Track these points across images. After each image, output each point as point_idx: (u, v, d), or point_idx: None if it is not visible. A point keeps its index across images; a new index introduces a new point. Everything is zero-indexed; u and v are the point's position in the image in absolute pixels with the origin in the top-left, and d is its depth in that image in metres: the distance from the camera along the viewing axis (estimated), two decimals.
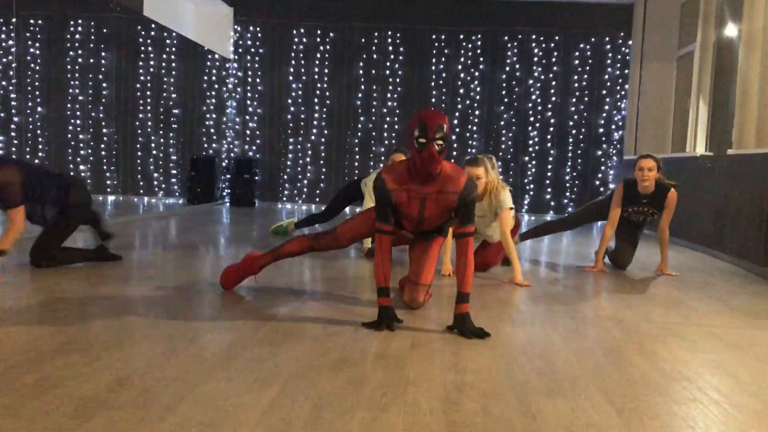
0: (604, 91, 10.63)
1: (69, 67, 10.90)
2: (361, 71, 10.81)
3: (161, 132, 10.98)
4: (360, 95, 10.84)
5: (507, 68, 10.69)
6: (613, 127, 10.65)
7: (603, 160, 10.68)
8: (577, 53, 10.61)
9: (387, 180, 3.25)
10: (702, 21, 7.75)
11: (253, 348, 2.72)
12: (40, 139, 10.95)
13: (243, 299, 3.71)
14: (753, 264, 5.62)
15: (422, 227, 3.46)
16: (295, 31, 10.81)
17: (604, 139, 10.69)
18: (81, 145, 10.98)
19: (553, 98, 10.68)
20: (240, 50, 10.86)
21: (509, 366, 2.63)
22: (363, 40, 10.78)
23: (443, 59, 10.75)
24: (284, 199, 11.03)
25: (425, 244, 3.65)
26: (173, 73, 10.92)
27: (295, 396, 2.18)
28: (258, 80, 10.92)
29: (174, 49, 10.88)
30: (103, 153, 10.97)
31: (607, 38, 10.56)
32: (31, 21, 10.84)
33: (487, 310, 3.67)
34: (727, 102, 6.88)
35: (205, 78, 10.96)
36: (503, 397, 2.26)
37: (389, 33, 10.77)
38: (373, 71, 10.80)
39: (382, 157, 10.84)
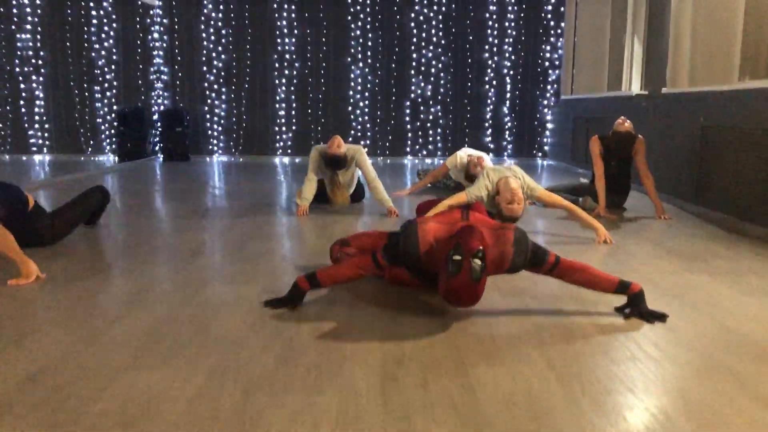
0: (541, 30, 10.53)
1: None
2: (292, 8, 10.39)
3: (86, 86, 10.40)
4: (293, 39, 10.45)
5: (443, 8, 10.45)
6: (548, 65, 10.60)
7: (540, 100, 10.66)
8: None
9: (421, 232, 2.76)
10: None
11: (180, 327, 2.57)
12: None
13: (174, 269, 3.53)
14: (687, 203, 5.71)
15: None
16: None
17: (541, 78, 10.64)
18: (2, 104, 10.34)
19: (490, 39, 10.52)
20: None
21: (449, 334, 2.56)
22: None
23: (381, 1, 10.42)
24: (219, 152, 10.68)
25: None
26: (94, 21, 10.28)
27: (223, 381, 2.06)
28: (184, 27, 10.39)
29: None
30: (24, 110, 10.35)
31: None
32: None
33: None
34: (661, 40, 6.87)
35: (130, 26, 10.36)
36: (443, 367, 2.19)
37: None
38: (306, 11, 10.40)
39: (320, 105, 10.56)
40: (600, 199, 5.53)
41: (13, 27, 10.19)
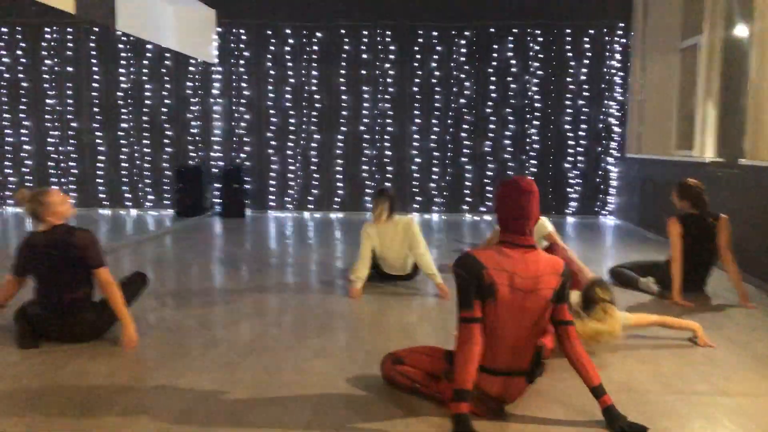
0: (604, 85, 10.19)
1: (46, 76, 10.45)
2: (350, 71, 10.36)
3: (146, 142, 10.55)
4: (349, 96, 10.40)
5: (500, 64, 10.24)
6: (614, 121, 10.23)
7: (604, 156, 10.28)
8: (574, 46, 10.15)
9: (480, 256, 2.84)
10: (708, 14, 7.30)
11: None
12: (22, 154, 10.55)
13: (229, 370, 3.34)
14: None
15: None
16: (280, 32, 10.34)
17: (604, 135, 10.27)
18: (61, 157, 10.57)
19: (552, 94, 10.24)
20: (224, 54, 10.40)
21: None
22: (350, 39, 10.32)
23: (435, 57, 10.29)
24: (274, 207, 10.64)
25: None
26: (154, 80, 10.47)
27: None
28: (243, 85, 10.48)
29: (153, 55, 10.41)
30: (86, 166, 10.56)
31: (605, 29, 10.09)
32: (4, 29, 10.38)
33: None
34: (737, 106, 6.47)
35: (189, 84, 10.50)
36: None
37: (378, 31, 10.30)
38: (363, 71, 10.35)
39: (377, 161, 10.43)
40: (674, 284, 5.13)
41: (79, 86, 10.46)
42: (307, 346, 3.90)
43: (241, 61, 10.43)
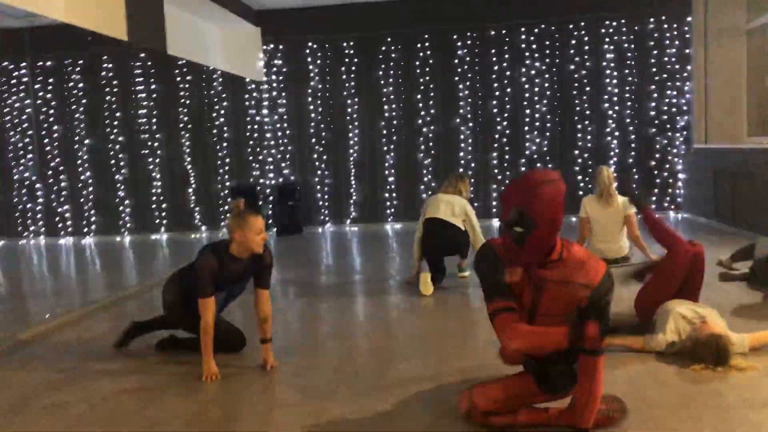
0: (665, 75, 9.76)
1: (105, 105, 10.53)
2: (395, 79, 10.17)
3: (200, 164, 10.54)
4: (396, 105, 10.21)
5: (555, 60, 9.91)
6: (675, 111, 9.80)
7: (669, 149, 9.85)
8: (632, 36, 9.76)
9: (498, 248, 2.65)
10: None
11: None
12: (82, 177, 10.64)
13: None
14: None
15: (536, 320, 2.63)
16: (324, 46, 10.22)
17: (668, 126, 9.84)
18: (121, 186, 10.62)
19: (608, 87, 9.87)
20: (270, 71, 10.33)
21: None
22: (393, 47, 10.13)
23: (486, 59, 10.02)
24: (329, 221, 10.50)
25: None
26: (206, 101, 10.45)
27: None
28: (293, 101, 10.39)
29: (204, 77, 10.40)
30: (144, 190, 10.59)
31: (663, 17, 9.68)
32: (47, 63, 10.51)
33: None
34: None
35: (238, 103, 10.46)
36: None
37: (419, 37, 10.08)
38: (408, 77, 10.15)
39: (429, 168, 10.22)
40: None
41: (131, 111, 10.51)
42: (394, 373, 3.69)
43: (287, 77, 10.34)
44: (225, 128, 10.48)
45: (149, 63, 10.40)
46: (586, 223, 6.12)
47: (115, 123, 10.56)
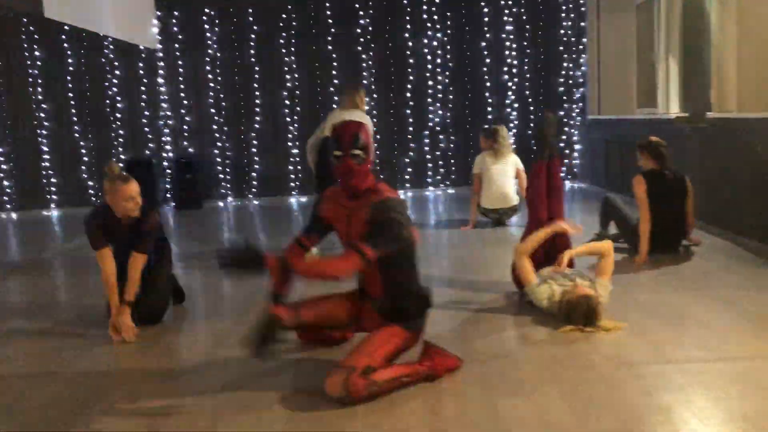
0: (561, 47, 10.01)
1: None
2: (292, 48, 9.96)
3: (91, 137, 10.03)
4: (299, 75, 10.02)
5: (456, 32, 9.96)
6: (571, 83, 10.07)
7: (567, 120, 10.12)
8: (527, 10, 9.92)
9: (326, 192, 3.11)
10: None
11: None
12: None
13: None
14: (752, 240, 5.14)
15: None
16: (223, 12, 9.88)
17: (565, 98, 10.11)
18: (2, 159, 9.98)
19: (507, 60, 10.02)
20: (166, 39, 9.90)
21: None
22: (295, 15, 9.90)
23: (378, 26, 9.94)
24: (232, 196, 10.25)
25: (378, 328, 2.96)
26: (95, 69, 9.92)
27: None
28: (190, 71, 10.01)
29: (88, 43, 9.84)
30: (33, 165, 9.98)
31: None
32: None
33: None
34: (700, 60, 6.33)
35: (132, 72, 9.99)
36: None
37: (321, 6, 9.89)
38: (313, 47, 9.97)
39: None
40: (642, 244, 5.00)
41: (16, 80, 9.86)
42: None
43: (183, 45, 9.95)
44: (118, 98, 10.00)
45: (32, 29, 9.75)
46: (479, 179, 6.71)
47: None
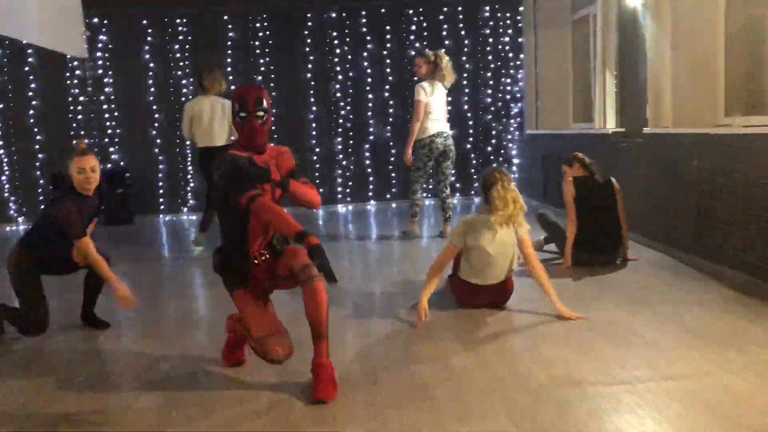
0: (499, 63, 10.09)
1: None
2: (229, 59, 9.71)
3: (13, 149, 9.50)
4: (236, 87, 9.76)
5: (389, 44, 9.91)
6: (509, 98, 10.16)
7: (504, 135, 10.19)
8: (465, 23, 9.96)
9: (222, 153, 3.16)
10: None
11: None
12: None
13: None
14: (689, 255, 5.22)
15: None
16: (153, 21, 9.56)
17: (503, 113, 10.18)
18: None
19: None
20: (95, 47, 9.49)
21: None
22: (229, 26, 9.67)
23: (317, 39, 9.81)
24: (164, 210, 9.88)
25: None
26: (20, 78, 9.42)
27: None
28: (120, 81, 9.64)
29: (11, 51, 9.35)
30: None
31: (497, 5, 9.96)
32: None
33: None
34: (635, 75, 6.45)
35: (60, 81, 9.53)
36: None
37: (259, 17, 9.69)
38: (245, 57, 9.74)
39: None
40: (567, 246, 5.07)
41: None
42: None
43: (114, 55, 9.58)
44: (43, 110, 9.52)
45: None
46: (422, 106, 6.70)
47: None
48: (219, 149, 6.07)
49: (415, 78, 7.01)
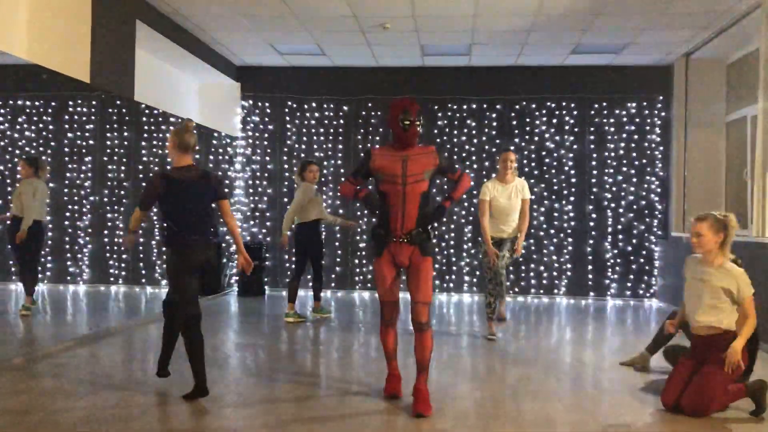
0: (645, 161, 9.66)
1: (68, 150, 10.20)
2: (377, 145, 10.00)
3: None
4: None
5: (536, 138, 9.80)
6: (654, 198, 9.64)
7: (647, 235, 9.65)
8: (612, 120, 9.69)
9: (374, 150, 4.31)
10: (764, 84, 6.82)
11: None
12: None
13: None
14: None
15: (408, 181, 4.17)
16: (305, 105, 10.08)
17: (647, 212, 9.66)
18: (79, 233, 10.19)
19: (590, 170, 9.72)
20: (247, 127, 10.13)
21: None
22: (378, 113, 10.00)
23: (466, 130, 9.89)
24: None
25: (416, 266, 4.16)
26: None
27: None
28: (267, 158, 10.17)
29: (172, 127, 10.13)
30: (106, 240, 10.15)
31: (645, 103, 9.63)
32: (27, 102, 10.23)
33: None
34: None
35: (211, 157, 10.21)
36: None
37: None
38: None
39: None
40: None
41: (105, 158, 10.20)
42: None
43: (265, 134, 10.15)
44: None
45: (112, 110, 10.15)
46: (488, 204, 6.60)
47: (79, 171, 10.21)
48: (312, 224, 7.48)
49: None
